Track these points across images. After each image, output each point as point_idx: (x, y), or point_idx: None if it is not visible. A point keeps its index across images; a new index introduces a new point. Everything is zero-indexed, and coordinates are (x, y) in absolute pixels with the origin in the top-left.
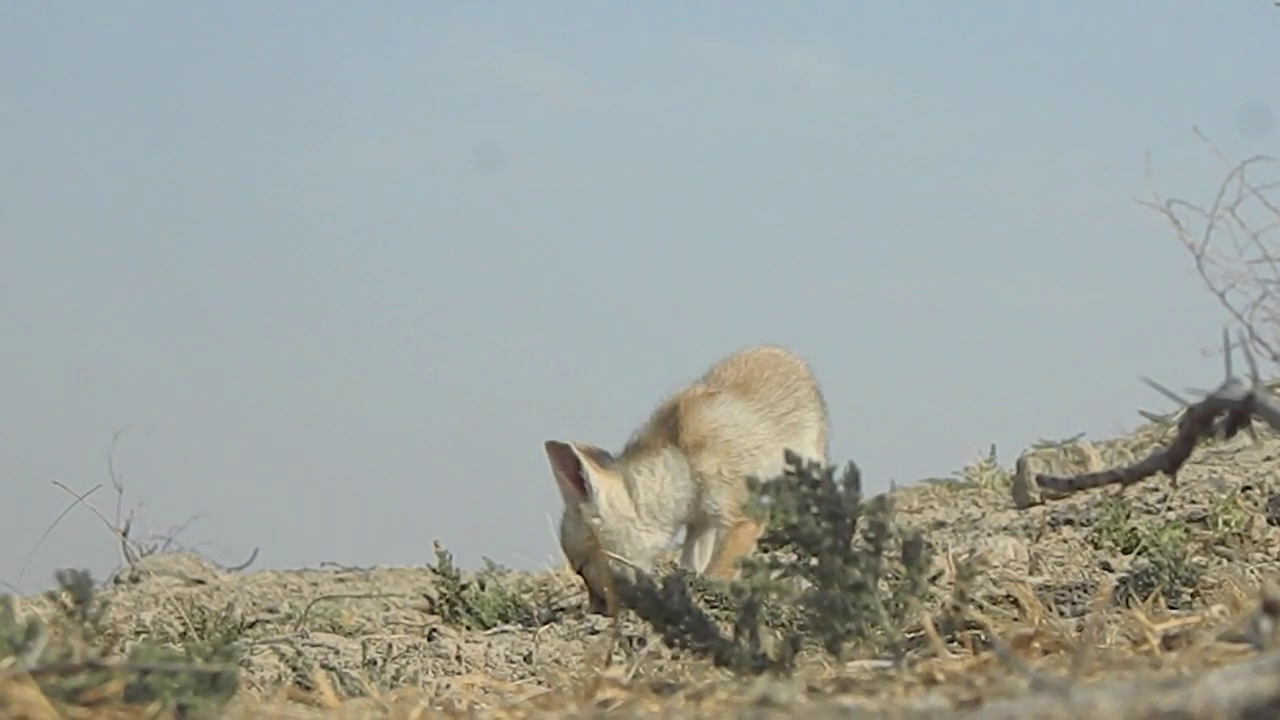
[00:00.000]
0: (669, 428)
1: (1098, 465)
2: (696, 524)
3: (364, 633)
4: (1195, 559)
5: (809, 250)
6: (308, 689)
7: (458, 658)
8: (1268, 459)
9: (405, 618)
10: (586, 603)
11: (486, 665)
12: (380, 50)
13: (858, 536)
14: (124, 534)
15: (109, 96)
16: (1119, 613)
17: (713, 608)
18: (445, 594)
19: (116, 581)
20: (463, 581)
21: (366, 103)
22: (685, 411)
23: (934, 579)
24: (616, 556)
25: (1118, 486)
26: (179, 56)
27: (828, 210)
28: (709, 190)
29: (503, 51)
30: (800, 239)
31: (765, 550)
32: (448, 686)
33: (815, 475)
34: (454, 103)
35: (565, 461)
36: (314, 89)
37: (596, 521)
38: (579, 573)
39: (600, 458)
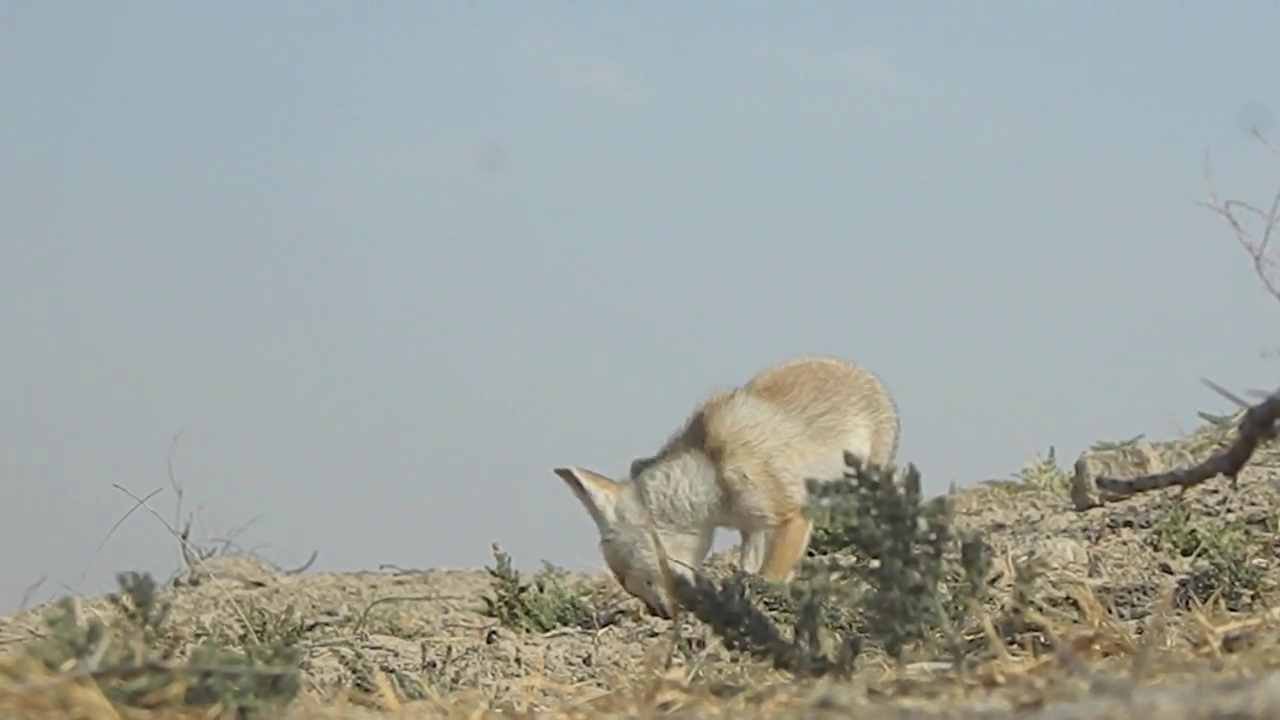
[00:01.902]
0: (694, 433)
1: (1157, 467)
2: (745, 528)
3: (423, 635)
4: (1256, 561)
5: (867, 252)
6: (368, 691)
7: (517, 660)
8: None
9: (464, 620)
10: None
11: (546, 667)
12: (436, 55)
13: (917, 539)
14: (184, 537)
15: (156, 102)
16: (1179, 615)
17: (772, 610)
18: (504, 596)
19: (176, 584)
20: (521, 584)
21: (424, 108)
22: (708, 416)
23: (993, 581)
24: (641, 567)
25: (1177, 488)
26: (231, 68)
27: (885, 213)
28: (766, 192)
29: (563, 55)
30: (858, 241)
31: (825, 553)
32: (507, 689)
33: (875, 477)
34: (511, 106)
35: (572, 484)
36: (368, 94)
37: (611, 535)
38: (623, 586)
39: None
